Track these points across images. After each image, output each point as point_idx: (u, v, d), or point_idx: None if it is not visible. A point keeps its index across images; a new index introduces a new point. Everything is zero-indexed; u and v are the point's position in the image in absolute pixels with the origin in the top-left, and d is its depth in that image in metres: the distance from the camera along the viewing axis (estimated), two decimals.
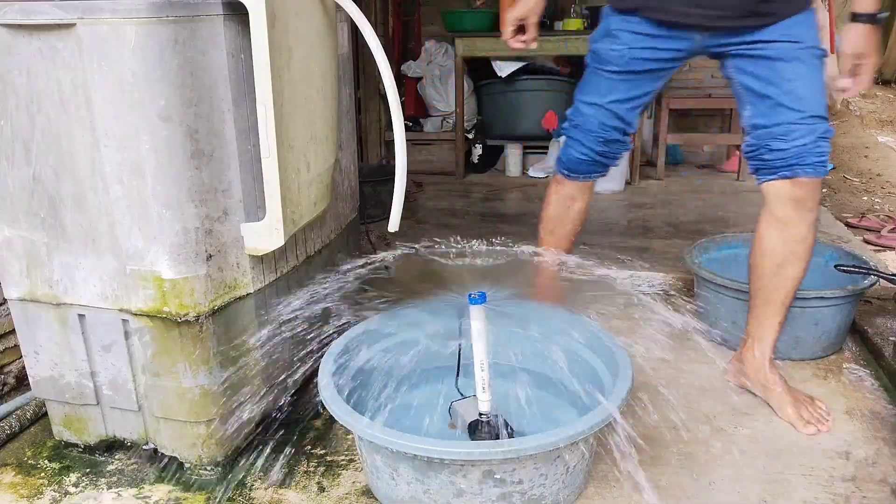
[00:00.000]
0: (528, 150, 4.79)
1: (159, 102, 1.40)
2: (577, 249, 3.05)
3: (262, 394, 1.76)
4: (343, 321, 1.88)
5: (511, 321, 1.95)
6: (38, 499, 1.64)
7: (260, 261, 1.67)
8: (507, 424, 1.66)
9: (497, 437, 1.63)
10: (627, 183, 4.34)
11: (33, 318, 1.67)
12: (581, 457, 1.51)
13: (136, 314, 1.57)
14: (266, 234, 1.57)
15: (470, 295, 1.67)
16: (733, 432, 1.83)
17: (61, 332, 1.66)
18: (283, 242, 1.57)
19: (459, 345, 1.80)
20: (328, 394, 1.56)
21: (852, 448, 1.76)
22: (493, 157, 4.93)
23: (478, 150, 4.80)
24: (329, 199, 1.88)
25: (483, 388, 1.65)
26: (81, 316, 1.63)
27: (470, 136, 4.78)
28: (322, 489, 1.65)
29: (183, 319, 1.54)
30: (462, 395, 1.79)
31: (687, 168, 4.81)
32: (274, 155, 1.49)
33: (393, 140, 1.77)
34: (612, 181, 4.20)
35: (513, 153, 4.75)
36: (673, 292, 2.72)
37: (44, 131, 1.48)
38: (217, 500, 1.62)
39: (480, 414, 1.67)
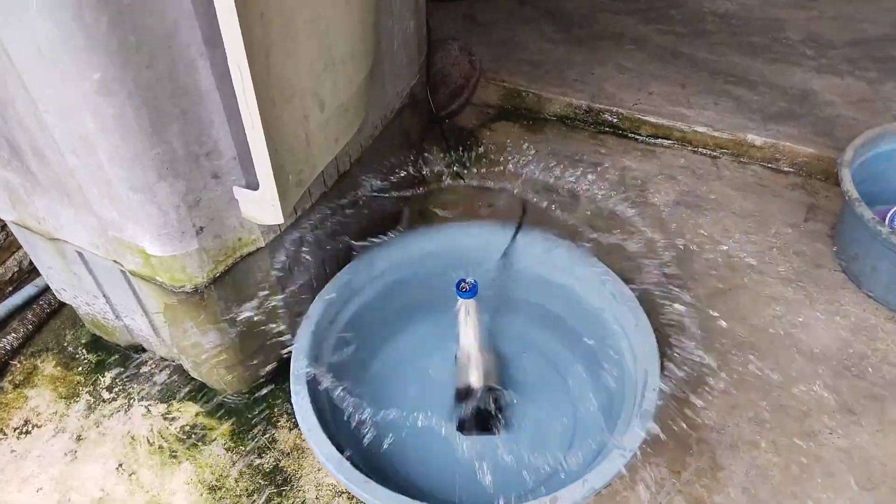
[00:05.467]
0: None
1: (93, 77, 1.00)
2: (694, 76, 2.29)
3: (287, 327, 1.59)
4: None
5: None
6: (74, 402, 1.66)
7: None
8: (493, 410, 1.48)
9: (482, 415, 1.49)
10: None
11: (32, 243, 1.51)
12: None
13: (132, 272, 1.37)
14: (262, 207, 1.24)
15: (458, 285, 1.35)
16: (828, 442, 1.53)
17: (63, 262, 1.50)
18: (283, 220, 1.24)
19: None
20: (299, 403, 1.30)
21: None
22: None
23: None
24: (364, 112, 1.45)
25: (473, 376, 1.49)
26: (80, 252, 1.44)
27: None
28: None
29: (179, 290, 1.33)
30: None
31: None
32: (258, 126, 1.09)
33: None
34: None
35: None
36: (814, 191, 2.12)
37: None
38: (240, 434, 1.58)
39: (468, 386, 1.50)
